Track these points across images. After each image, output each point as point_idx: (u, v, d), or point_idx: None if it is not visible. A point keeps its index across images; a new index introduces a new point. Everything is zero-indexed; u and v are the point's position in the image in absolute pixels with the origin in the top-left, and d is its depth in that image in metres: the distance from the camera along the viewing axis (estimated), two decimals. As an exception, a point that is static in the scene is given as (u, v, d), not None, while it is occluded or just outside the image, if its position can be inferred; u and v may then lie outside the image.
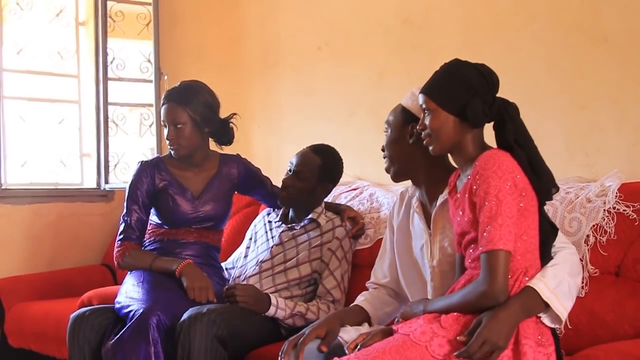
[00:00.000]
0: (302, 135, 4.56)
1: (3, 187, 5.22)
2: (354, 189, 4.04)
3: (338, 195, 3.97)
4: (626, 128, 3.32)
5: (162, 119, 3.68)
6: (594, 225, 3.03)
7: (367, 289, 3.13)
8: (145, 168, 3.71)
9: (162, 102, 3.71)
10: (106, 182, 5.66)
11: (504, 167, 2.40)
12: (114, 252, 3.67)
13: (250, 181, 3.88)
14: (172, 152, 3.68)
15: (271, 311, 3.40)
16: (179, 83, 3.77)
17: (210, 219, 3.74)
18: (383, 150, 2.95)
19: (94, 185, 5.71)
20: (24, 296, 4.89)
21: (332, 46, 4.54)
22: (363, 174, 4.08)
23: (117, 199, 5.66)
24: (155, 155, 5.10)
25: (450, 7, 3.94)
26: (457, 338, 2.35)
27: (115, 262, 3.67)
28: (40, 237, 5.35)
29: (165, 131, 3.66)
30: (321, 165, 3.64)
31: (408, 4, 4.14)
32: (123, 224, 3.67)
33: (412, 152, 2.85)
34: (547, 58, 3.55)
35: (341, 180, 3.80)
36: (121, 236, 3.66)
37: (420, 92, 2.60)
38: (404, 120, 2.87)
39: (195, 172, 3.74)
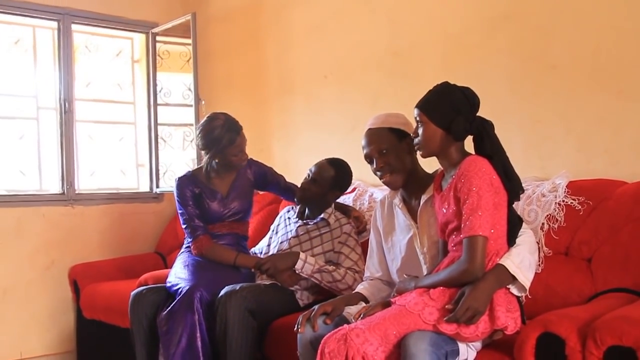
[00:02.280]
0: (313, 147, 4.58)
1: (77, 192, 5.25)
2: (354, 189, 4.03)
3: (344, 194, 3.92)
4: (572, 137, 3.31)
5: (234, 144, 3.61)
6: (547, 215, 3.04)
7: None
8: (184, 181, 3.72)
9: (234, 134, 3.62)
10: (157, 186, 5.67)
11: (483, 169, 2.41)
12: (192, 245, 3.62)
13: (263, 178, 3.89)
14: (241, 165, 3.72)
15: (299, 264, 3.38)
16: (225, 117, 3.68)
17: (238, 212, 3.75)
18: (380, 169, 2.85)
19: (148, 190, 5.73)
20: (95, 278, 4.93)
21: (336, 75, 4.52)
22: (361, 176, 4.05)
23: (166, 200, 5.67)
24: (192, 166, 5.10)
25: (431, 44, 3.93)
26: (446, 307, 2.36)
27: (196, 253, 3.60)
28: (107, 231, 5.38)
29: (232, 153, 3.65)
30: (334, 177, 3.63)
31: (396, 41, 4.12)
32: (189, 224, 3.64)
33: (408, 162, 2.85)
34: (508, 82, 3.54)
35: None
36: (196, 233, 3.61)
37: (416, 107, 2.60)
38: (397, 137, 2.84)
39: (221, 178, 3.75)
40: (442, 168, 2.68)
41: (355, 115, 4.35)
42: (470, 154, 2.54)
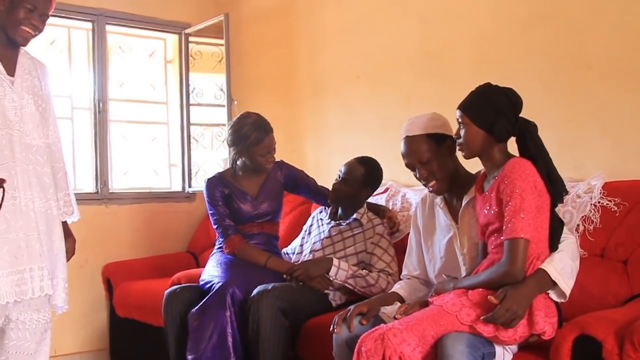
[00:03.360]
0: (345, 147, 4.56)
1: (110, 192, 5.30)
2: (387, 189, 4.02)
3: (377, 194, 3.93)
4: (606, 138, 3.27)
5: (262, 144, 3.61)
6: (583, 217, 3.01)
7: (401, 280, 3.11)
8: (213, 182, 3.74)
9: (262, 133, 3.62)
10: (189, 186, 5.71)
11: (527, 171, 2.40)
12: (224, 245, 3.63)
13: (293, 181, 3.87)
14: (267, 167, 3.70)
15: (333, 271, 3.39)
16: (257, 117, 3.70)
17: (268, 213, 3.75)
18: (424, 178, 2.83)
19: (180, 189, 5.77)
20: (128, 277, 4.97)
21: (368, 75, 4.52)
22: (394, 176, 4.05)
23: (198, 200, 5.70)
24: (224, 166, 5.10)
25: (463, 42, 3.91)
26: (488, 297, 2.34)
27: (228, 252, 3.61)
28: (139, 230, 5.42)
29: (267, 154, 3.65)
30: (364, 174, 3.62)
31: (429, 40, 4.11)
32: (220, 224, 3.66)
33: (450, 166, 2.83)
34: (542, 82, 3.50)
35: (378, 182, 3.77)
36: (227, 232, 3.62)
37: (458, 108, 2.59)
38: (436, 142, 2.81)
39: (250, 179, 3.76)
40: (484, 169, 2.67)
41: (388, 115, 4.34)
42: (514, 156, 2.53)
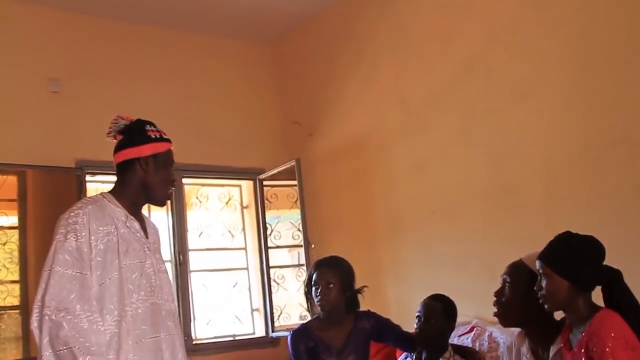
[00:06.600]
0: (424, 284, 4.49)
1: (194, 342, 5.34)
2: (473, 328, 3.95)
3: (462, 334, 3.88)
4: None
5: (314, 279, 3.66)
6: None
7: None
8: (298, 335, 3.70)
9: (314, 267, 3.72)
10: (273, 330, 5.72)
11: (616, 327, 2.34)
12: None
13: (380, 330, 3.77)
14: (320, 306, 3.66)
15: None
16: (328, 255, 3.79)
17: None
18: (497, 296, 2.84)
19: (263, 334, 5.79)
20: None
21: (443, 210, 4.55)
22: (477, 312, 3.99)
23: (282, 344, 5.69)
24: (305, 308, 5.11)
25: (535, 173, 3.92)
26: None
27: None
28: (226, 379, 5.42)
29: (315, 290, 3.65)
30: (443, 308, 3.60)
31: (500, 173, 4.14)
32: None
33: (532, 309, 2.72)
34: (618, 209, 3.47)
35: (461, 320, 3.71)
36: None
37: (538, 258, 2.55)
38: (530, 281, 2.71)
39: (336, 330, 3.69)
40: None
41: (466, 250, 4.34)
42: (601, 308, 2.46)
